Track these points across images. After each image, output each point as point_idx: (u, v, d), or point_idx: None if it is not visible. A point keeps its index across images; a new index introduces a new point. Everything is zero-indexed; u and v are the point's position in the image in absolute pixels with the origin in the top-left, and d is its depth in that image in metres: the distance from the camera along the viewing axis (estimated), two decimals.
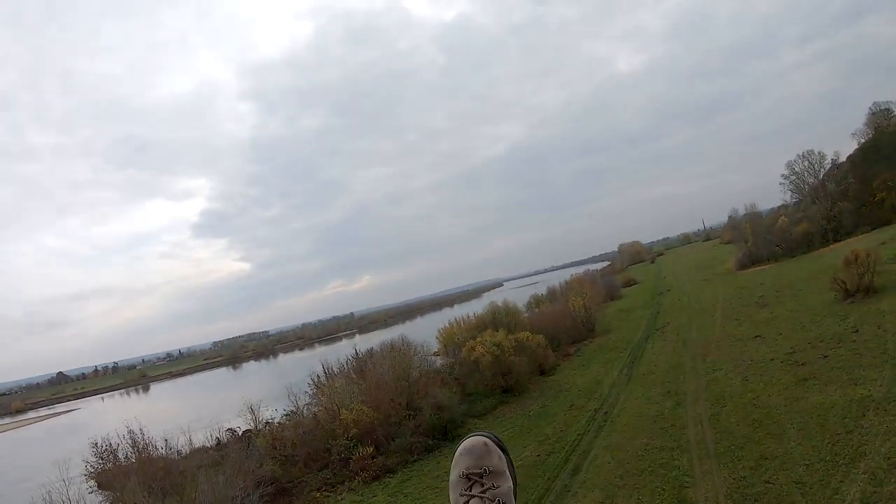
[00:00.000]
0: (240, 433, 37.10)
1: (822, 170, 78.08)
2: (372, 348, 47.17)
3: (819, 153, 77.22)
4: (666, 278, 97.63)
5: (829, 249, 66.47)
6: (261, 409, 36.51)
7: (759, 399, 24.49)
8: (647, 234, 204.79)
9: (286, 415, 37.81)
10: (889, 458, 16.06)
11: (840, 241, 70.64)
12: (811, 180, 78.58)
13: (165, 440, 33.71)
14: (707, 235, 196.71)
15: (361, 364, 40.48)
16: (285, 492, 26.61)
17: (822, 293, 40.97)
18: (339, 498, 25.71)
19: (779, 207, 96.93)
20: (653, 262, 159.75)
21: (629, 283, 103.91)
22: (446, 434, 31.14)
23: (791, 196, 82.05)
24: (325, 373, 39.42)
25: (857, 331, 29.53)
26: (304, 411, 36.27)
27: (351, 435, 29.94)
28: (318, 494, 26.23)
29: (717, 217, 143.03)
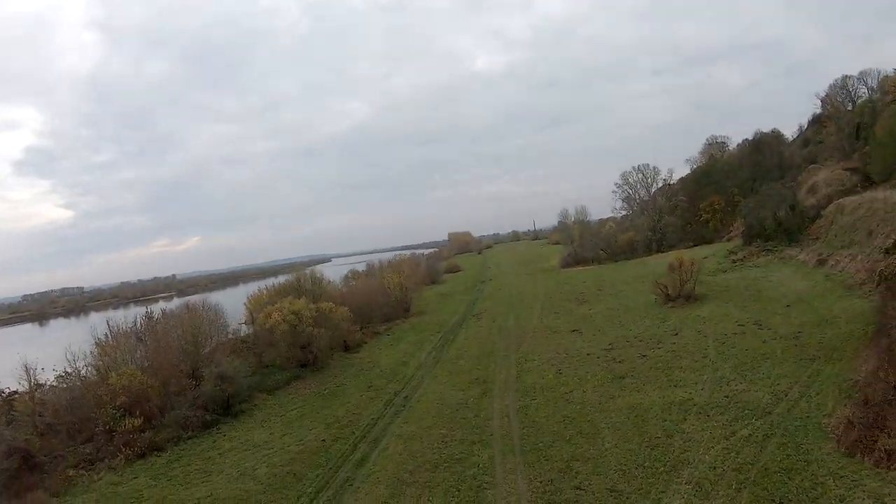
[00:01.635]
0: (4, 395, 30.67)
1: (655, 185, 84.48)
2: (165, 308, 42.07)
3: (654, 168, 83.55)
4: (490, 269, 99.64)
5: (651, 258, 71.70)
6: (41, 370, 29.34)
7: (573, 394, 23.03)
8: (480, 228, 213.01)
9: (59, 377, 30.36)
10: (714, 468, 14.61)
11: (663, 251, 76.86)
12: (642, 192, 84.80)
13: None
14: (536, 235, 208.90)
15: (152, 325, 34.15)
16: (36, 467, 22.67)
17: (643, 295, 42.48)
18: (96, 478, 22.05)
19: (608, 218, 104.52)
20: (480, 253, 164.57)
21: (453, 270, 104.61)
22: (228, 409, 27.78)
23: (621, 205, 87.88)
24: (109, 331, 32.40)
25: (676, 334, 29.93)
26: (82, 373, 29.79)
27: (118, 403, 25.91)
28: (72, 472, 22.66)
29: (548, 221, 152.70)
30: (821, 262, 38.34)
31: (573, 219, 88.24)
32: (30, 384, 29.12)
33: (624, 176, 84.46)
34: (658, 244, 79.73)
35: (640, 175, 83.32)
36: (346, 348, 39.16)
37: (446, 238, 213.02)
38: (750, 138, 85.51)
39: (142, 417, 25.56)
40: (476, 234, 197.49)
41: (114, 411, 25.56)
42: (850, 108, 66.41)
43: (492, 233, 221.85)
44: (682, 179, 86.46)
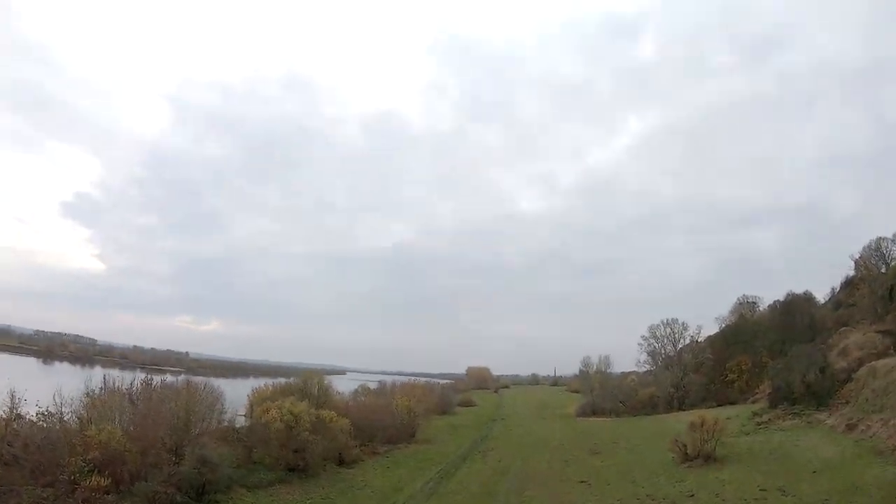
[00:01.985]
0: None
1: (682, 340, 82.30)
2: (164, 378, 40.18)
3: (682, 323, 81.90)
4: (505, 408, 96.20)
5: (672, 416, 68.25)
6: (25, 401, 28.59)
7: None
8: (500, 366, 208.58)
9: (40, 414, 29.38)
10: None
11: (685, 409, 73.28)
12: (668, 348, 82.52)
13: None
14: (556, 381, 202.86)
15: (148, 391, 33.42)
16: None
17: (659, 453, 39.73)
18: None
19: (630, 372, 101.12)
20: (496, 391, 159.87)
21: (468, 404, 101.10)
22: (202, 495, 25.73)
23: (646, 358, 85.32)
24: (104, 385, 31.97)
25: (692, 495, 27.32)
26: (64, 418, 28.57)
27: (90, 457, 24.19)
28: None
29: (570, 369, 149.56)
30: (850, 428, 35.58)
31: (595, 368, 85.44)
32: (10, 412, 27.78)
33: (651, 329, 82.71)
34: (680, 402, 76.33)
35: (668, 329, 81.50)
36: (341, 462, 36.78)
37: (464, 372, 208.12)
38: (781, 299, 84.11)
39: (110, 479, 23.87)
40: (496, 372, 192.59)
41: (83, 464, 23.94)
42: (883, 270, 64.82)
43: (512, 373, 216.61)
44: (709, 337, 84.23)
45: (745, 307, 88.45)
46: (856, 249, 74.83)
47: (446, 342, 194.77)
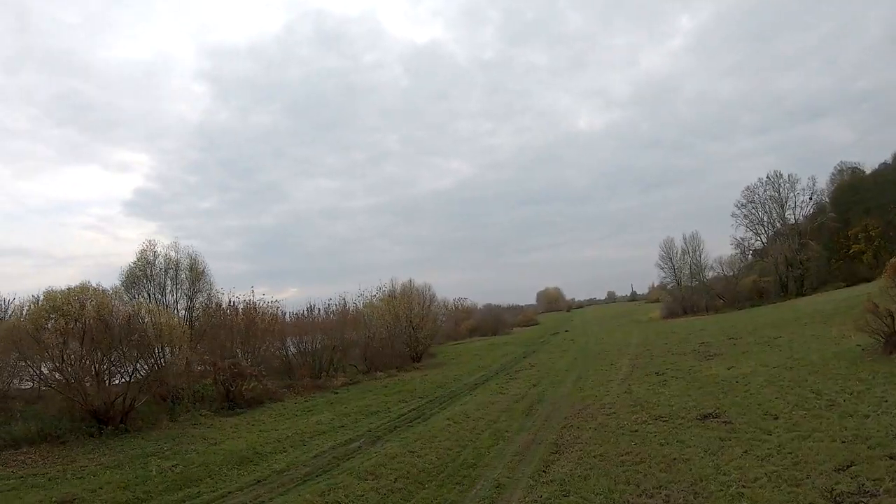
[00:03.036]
0: None
1: (792, 202, 59.97)
2: None
3: (790, 176, 59.34)
4: (573, 321, 77.90)
5: (793, 302, 47.88)
6: None
7: None
8: (574, 291, 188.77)
9: None
10: None
11: (806, 294, 52.33)
12: (774, 214, 60.35)
13: None
14: (633, 297, 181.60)
15: None
16: None
17: (826, 343, 21.54)
18: None
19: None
20: (569, 310, 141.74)
21: (527, 323, 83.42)
22: None
23: (743, 234, 63.59)
24: None
25: None
26: None
27: None
28: None
29: (647, 286, 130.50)
30: None
31: (680, 252, 64.40)
32: None
33: (748, 192, 60.67)
34: (798, 284, 55.11)
35: (771, 188, 59.28)
36: (231, 400, 21.84)
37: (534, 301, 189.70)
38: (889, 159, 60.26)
39: None
40: (569, 296, 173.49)
41: None
42: None
43: (587, 297, 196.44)
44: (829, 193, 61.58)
45: (847, 174, 64.34)
46: None
47: (517, 275, 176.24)
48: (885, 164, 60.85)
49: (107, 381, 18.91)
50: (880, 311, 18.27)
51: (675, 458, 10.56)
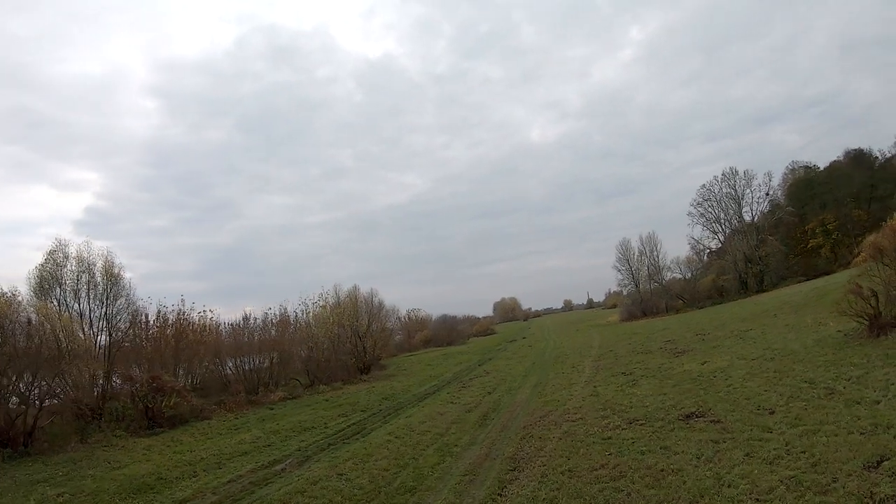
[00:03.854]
0: None
1: (749, 198, 59.47)
2: None
3: (746, 172, 58.98)
4: (530, 329, 76.06)
5: (756, 298, 47.07)
6: None
7: None
8: (532, 301, 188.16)
9: None
10: None
11: (766, 291, 51.72)
12: (731, 210, 59.83)
13: None
14: (590, 304, 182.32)
15: None
16: None
17: (804, 331, 19.69)
18: None
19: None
20: (525, 319, 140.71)
21: (485, 333, 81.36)
22: None
23: (700, 233, 63.00)
24: None
25: None
26: None
27: None
28: None
29: (603, 294, 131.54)
30: None
31: (637, 254, 63.25)
32: None
33: (704, 191, 60.06)
34: (758, 282, 54.62)
35: (727, 186, 58.79)
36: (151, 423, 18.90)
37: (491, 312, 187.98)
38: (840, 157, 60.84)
39: None
40: (526, 306, 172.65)
41: None
42: None
43: (544, 307, 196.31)
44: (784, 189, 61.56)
45: (800, 171, 64.79)
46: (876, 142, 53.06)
47: (474, 287, 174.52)
48: (837, 160, 61.25)
49: (6, 400, 15.85)
50: (864, 292, 16.66)
51: (662, 470, 8.31)
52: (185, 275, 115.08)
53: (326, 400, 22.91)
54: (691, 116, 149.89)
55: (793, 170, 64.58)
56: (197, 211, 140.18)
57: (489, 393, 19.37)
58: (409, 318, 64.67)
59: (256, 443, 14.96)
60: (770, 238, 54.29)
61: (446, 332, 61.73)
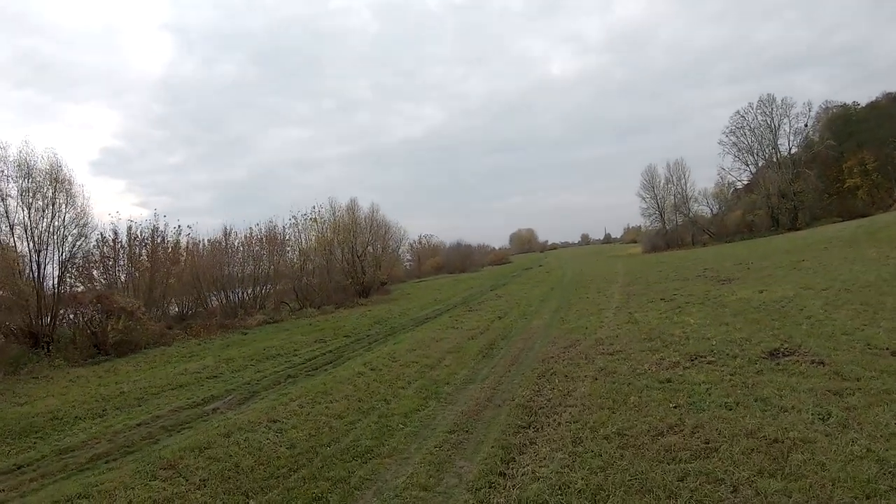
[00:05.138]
0: None
1: (786, 127, 54.00)
2: None
3: (784, 100, 53.32)
4: (546, 259, 72.86)
5: (790, 235, 43.01)
6: None
7: None
8: (549, 235, 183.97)
9: None
10: None
11: (799, 229, 47.41)
12: (766, 140, 54.46)
13: None
14: (608, 239, 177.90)
15: None
16: None
17: (869, 264, 16.45)
18: None
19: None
20: (542, 251, 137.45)
21: (500, 262, 78.24)
22: None
23: (731, 164, 57.85)
24: None
25: None
26: None
27: None
28: None
29: (622, 231, 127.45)
30: None
31: (663, 181, 58.60)
32: None
33: (738, 118, 54.71)
34: (791, 218, 50.18)
35: (763, 114, 53.37)
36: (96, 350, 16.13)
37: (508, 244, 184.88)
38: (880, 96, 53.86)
39: None
40: (543, 239, 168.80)
41: None
42: None
43: (561, 241, 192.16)
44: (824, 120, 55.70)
45: (837, 112, 57.63)
46: None
47: (489, 221, 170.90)
48: (878, 98, 55.06)
49: None
50: None
51: (775, 440, 4.95)
52: (201, 210, 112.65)
53: (310, 324, 19.91)
54: (716, 57, 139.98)
55: (826, 108, 57.92)
56: (212, 146, 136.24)
57: (499, 318, 16.14)
58: (420, 243, 61.45)
59: (201, 374, 11.91)
60: (807, 171, 49.38)
61: (459, 260, 58.56)
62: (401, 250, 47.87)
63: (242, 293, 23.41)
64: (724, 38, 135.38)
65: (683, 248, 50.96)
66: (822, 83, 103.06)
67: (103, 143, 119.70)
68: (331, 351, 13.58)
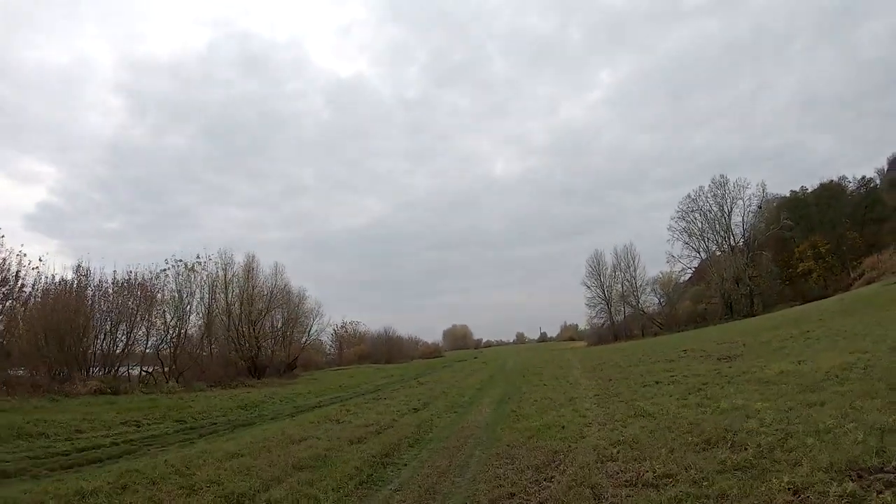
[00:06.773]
0: None
1: (740, 209, 51.80)
2: None
3: (737, 181, 51.64)
4: (483, 353, 67.69)
5: (749, 321, 39.71)
6: None
7: None
8: (483, 333, 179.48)
9: None
10: None
11: (755, 315, 44.29)
12: (719, 224, 52.19)
13: None
14: (543, 338, 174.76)
15: None
16: None
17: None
18: None
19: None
20: (476, 348, 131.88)
21: (431, 356, 71.98)
22: None
23: (681, 249, 55.36)
24: None
25: None
26: None
27: None
28: None
29: (558, 330, 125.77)
30: None
31: (610, 270, 55.06)
32: None
33: (689, 201, 52.54)
34: (748, 304, 47.47)
35: (715, 196, 51.47)
36: None
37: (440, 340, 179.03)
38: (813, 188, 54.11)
39: None
40: (477, 337, 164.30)
41: None
42: None
43: (496, 338, 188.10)
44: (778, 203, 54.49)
45: (775, 201, 57.64)
46: None
47: (424, 316, 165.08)
48: (828, 181, 54.88)
49: None
50: None
51: None
52: None
53: (151, 401, 13.69)
54: (653, 161, 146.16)
55: (767, 200, 56.73)
56: (152, 217, 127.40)
57: (414, 410, 10.55)
58: (345, 329, 55.13)
59: None
60: (764, 253, 47.29)
61: (387, 349, 52.51)
62: (321, 334, 41.60)
63: (89, 350, 16.92)
64: (661, 144, 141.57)
65: (633, 339, 46.85)
66: (753, 186, 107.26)
67: (42, 197, 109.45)
68: (128, 441, 7.63)
